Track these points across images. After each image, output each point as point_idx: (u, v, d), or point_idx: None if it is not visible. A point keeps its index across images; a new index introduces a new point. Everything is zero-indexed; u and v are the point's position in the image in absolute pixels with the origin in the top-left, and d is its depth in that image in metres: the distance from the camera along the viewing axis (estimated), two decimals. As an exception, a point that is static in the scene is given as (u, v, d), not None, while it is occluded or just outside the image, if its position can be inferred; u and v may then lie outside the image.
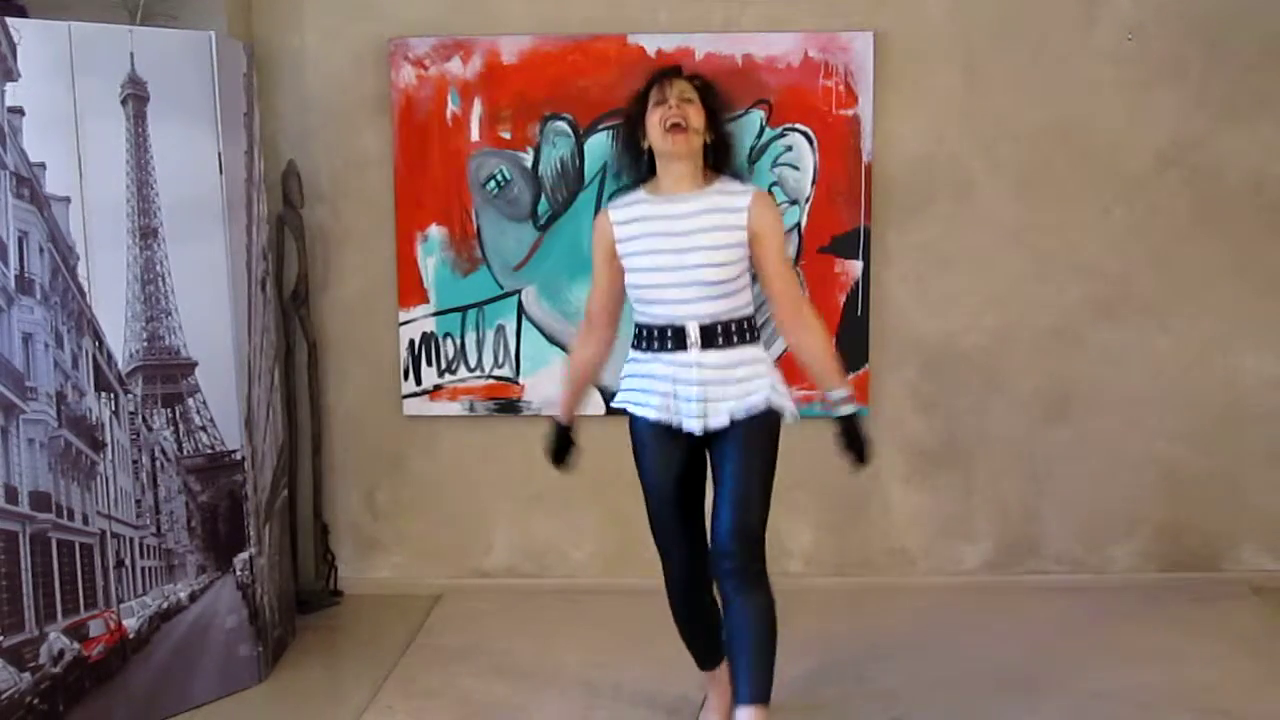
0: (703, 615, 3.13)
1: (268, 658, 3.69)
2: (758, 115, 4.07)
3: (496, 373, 4.24)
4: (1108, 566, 4.32)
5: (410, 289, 4.22)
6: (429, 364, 4.24)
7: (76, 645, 3.21)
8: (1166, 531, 4.30)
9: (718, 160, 2.99)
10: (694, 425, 2.93)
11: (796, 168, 4.10)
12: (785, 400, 3.01)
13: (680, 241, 2.91)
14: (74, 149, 3.16)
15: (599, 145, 4.09)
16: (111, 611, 3.30)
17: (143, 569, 3.38)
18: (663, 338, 2.96)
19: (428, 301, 4.21)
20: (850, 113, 4.06)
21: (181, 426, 3.46)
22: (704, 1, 4.08)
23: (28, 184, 3.08)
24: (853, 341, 4.17)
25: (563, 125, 4.09)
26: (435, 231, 4.18)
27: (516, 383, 4.24)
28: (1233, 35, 4.05)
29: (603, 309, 3.10)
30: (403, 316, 4.23)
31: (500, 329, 4.22)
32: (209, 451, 3.52)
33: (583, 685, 3.61)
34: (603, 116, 4.07)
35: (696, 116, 2.91)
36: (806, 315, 3.01)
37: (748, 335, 2.98)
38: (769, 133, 4.08)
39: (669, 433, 2.97)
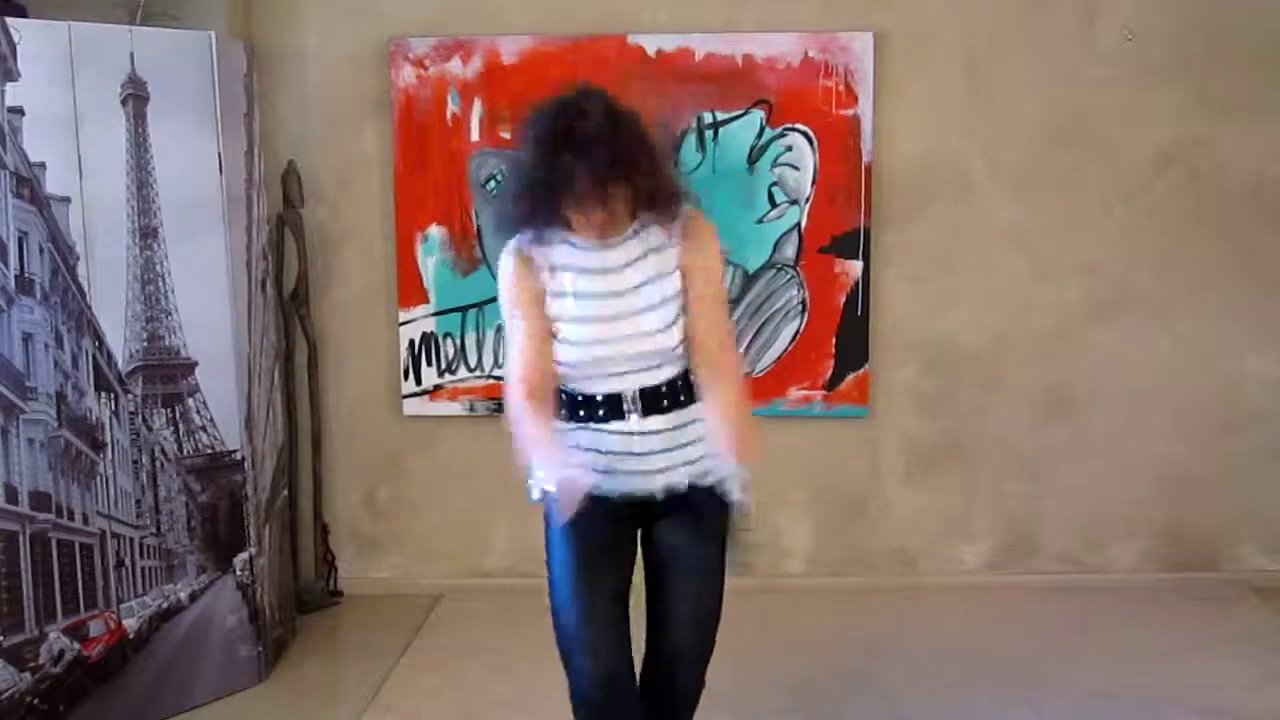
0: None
1: (268, 658, 3.69)
2: (758, 115, 4.07)
3: (496, 373, 4.24)
4: (1108, 566, 4.32)
5: (410, 289, 4.22)
6: (429, 364, 4.24)
7: (76, 645, 3.21)
8: (1166, 531, 4.30)
9: (650, 208, 2.44)
10: (650, 485, 2.47)
11: (796, 168, 4.10)
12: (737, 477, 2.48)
13: (619, 304, 2.44)
14: (74, 149, 3.16)
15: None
16: (111, 611, 3.30)
17: (143, 569, 3.38)
18: (590, 407, 2.48)
19: (428, 301, 4.21)
20: (850, 113, 4.06)
21: (181, 426, 3.46)
22: (704, 1, 4.07)
23: (28, 184, 3.08)
24: (853, 341, 4.17)
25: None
26: (435, 231, 4.18)
27: (516, 383, 4.23)
28: (1233, 35, 4.05)
29: (543, 373, 2.45)
30: (403, 316, 4.23)
31: (500, 329, 4.22)
32: (209, 451, 3.52)
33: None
34: (603, 116, 4.06)
35: (625, 202, 2.39)
36: (728, 375, 2.51)
37: (692, 391, 2.51)
38: (769, 133, 4.08)
39: (599, 510, 2.39)
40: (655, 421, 2.48)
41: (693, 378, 2.51)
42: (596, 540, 2.47)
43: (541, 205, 2.39)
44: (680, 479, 2.49)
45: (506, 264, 2.50)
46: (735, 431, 2.44)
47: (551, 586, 2.56)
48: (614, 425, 2.48)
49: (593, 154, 2.30)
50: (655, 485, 2.49)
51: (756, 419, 2.62)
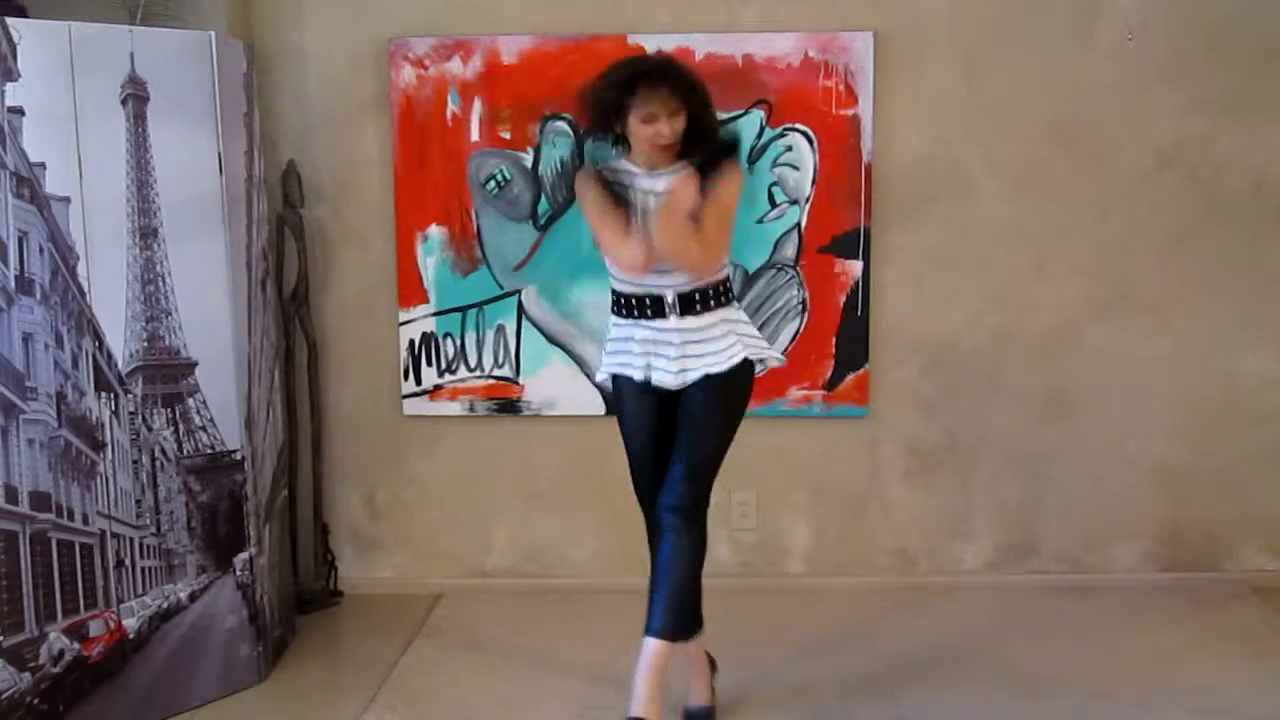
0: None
1: (268, 658, 3.69)
2: (758, 115, 4.07)
3: (497, 373, 4.24)
4: (1108, 566, 4.32)
5: (410, 289, 4.22)
6: (429, 364, 4.24)
7: (76, 645, 3.21)
8: (1166, 531, 4.30)
9: (698, 148, 3.09)
10: (669, 381, 3.11)
11: (796, 168, 4.10)
12: (763, 350, 3.21)
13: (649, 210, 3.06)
14: (74, 149, 3.16)
15: (599, 145, 4.08)
16: (111, 611, 3.30)
17: (143, 569, 3.38)
18: (641, 306, 3.13)
19: (428, 301, 4.21)
20: (850, 113, 4.06)
21: (181, 426, 3.46)
22: (704, 1, 4.08)
23: (28, 184, 3.08)
24: (853, 341, 4.17)
25: (563, 125, 4.09)
26: (435, 231, 4.18)
27: (517, 383, 4.24)
28: (1233, 35, 4.05)
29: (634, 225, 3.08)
30: (403, 316, 4.23)
31: (500, 329, 4.22)
32: (209, 451, 3.52)
33: (583, 685, 3.61)
34: (603, 116, 4.07)
35: (679, 126, 3.04)
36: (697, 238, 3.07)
37: (723, 298, 3.14)
38: (769, 133, 4.08)
39: (648, 391, 3.16)
40: (690, 322, 3.11)
41: (729, 287, 3.18)
42: (640, 416, 3.23)
43: (616, 107, 3.05)
44: (708, 367, 3.11)
45: (587, 177, 3.18)
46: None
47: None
48: (656, 322, 3.13)
49: (677, 71, 3.06)
50: (688, 371, 3.11)
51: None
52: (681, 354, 3.10)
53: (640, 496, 3.29)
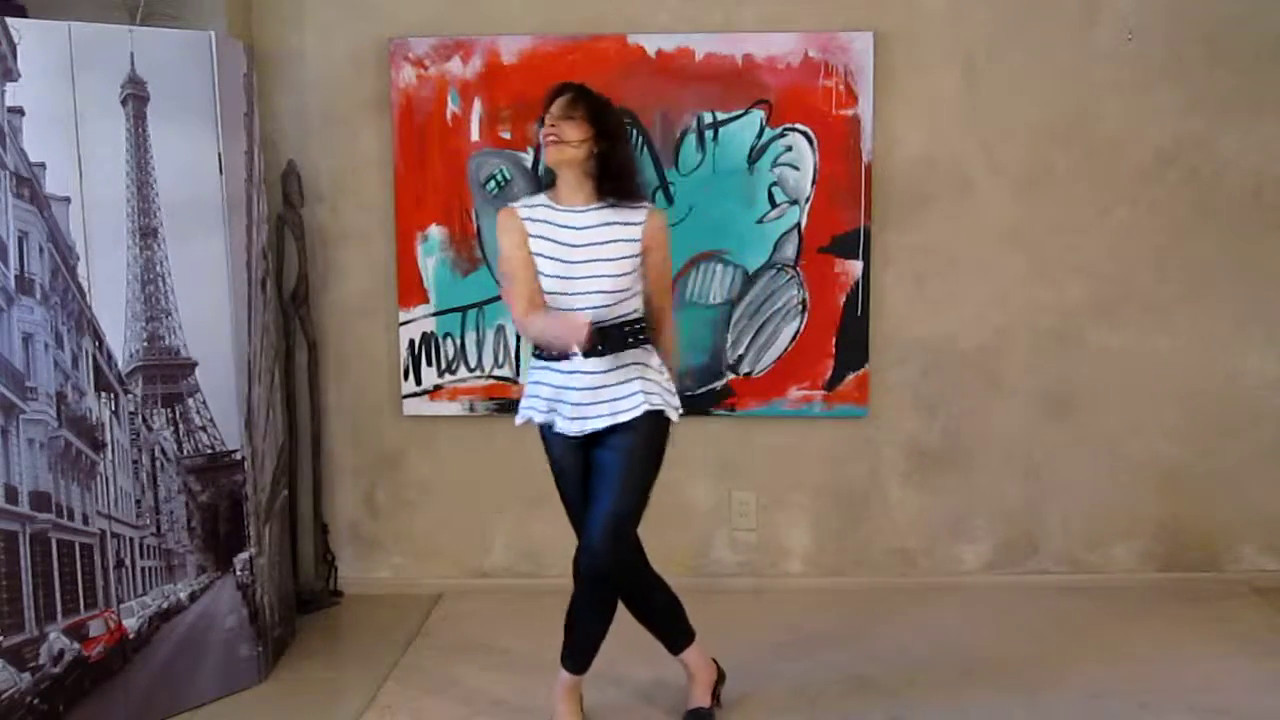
0: (641, 599, 3.28)
1: (268, 658, 3.69)
2: (758, 115, 4.08)
3: (496, 373, 4.24)
4: (1108, 566, 4.32)
5: (410, 289, 4.22)
6: (429, 364, 4.24)
7: (76, 645, 3.21)
8: (1166, 531, 4.30)
9: (612, 182, 3.11)
10: (571, 428, 3.10)
11: (796, 168, 4.10)
12: (668, 399, 3.16)
13: (575, 253, 3.08)
14: (74, 149, 3.16)
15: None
16: (111, 611, 3.30)
17: (143, 569, 3.38)
18: (549, 349, 3.13)
19: (428, 301, 4.21)
20: (850, 113, 4.07)
21: (181, 426, 3.46)
22: (704, 1, 4.08)
23: (28, 184, 3.08)
24: (853, 341, 4.17)
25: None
26: (435, 231, 4.18)
27: (516, 383, 4.24)
28: (1233, 35, 4.05)
29: (537, 291, 3.11)
30: (403, 316, 4.23)
31: (500, 329, 4.22)
32: (209, 451, 3.52)
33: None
34: (603, 116, 4.07)
35: (573, 131, 3.07)
36: (667, 327, 3.28)
37: (630, 339, 3.12)
38: (769, 133, 4.08)
39: (564, 435, 3.14)
40: (594, 363, 3.07)
41: (642, 327, 3.16)
42: (564, 460, 3.21)
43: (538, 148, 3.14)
44: (613, 412, 3.09)
45: (505, 218, 3.17)
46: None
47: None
48: (562, 364, 3.10)
49: (586, 90, 3.14)
50: (589, 419, 3.10)
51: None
52: (583, 400, 3.09)
53: (577, 531, 3.24)
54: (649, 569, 3.26)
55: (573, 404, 3.09)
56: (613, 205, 3.11)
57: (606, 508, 3.08)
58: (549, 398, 3.14)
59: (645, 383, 3.11)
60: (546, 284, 3.10)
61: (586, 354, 3.03)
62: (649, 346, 3.17)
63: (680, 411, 3.19)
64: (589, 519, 3.12)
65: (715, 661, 3.44)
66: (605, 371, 3.09)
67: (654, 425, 3.12)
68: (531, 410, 3.18)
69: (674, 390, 3.20)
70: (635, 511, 3.12)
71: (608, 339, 3.07)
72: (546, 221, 3.12)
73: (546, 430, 3.18)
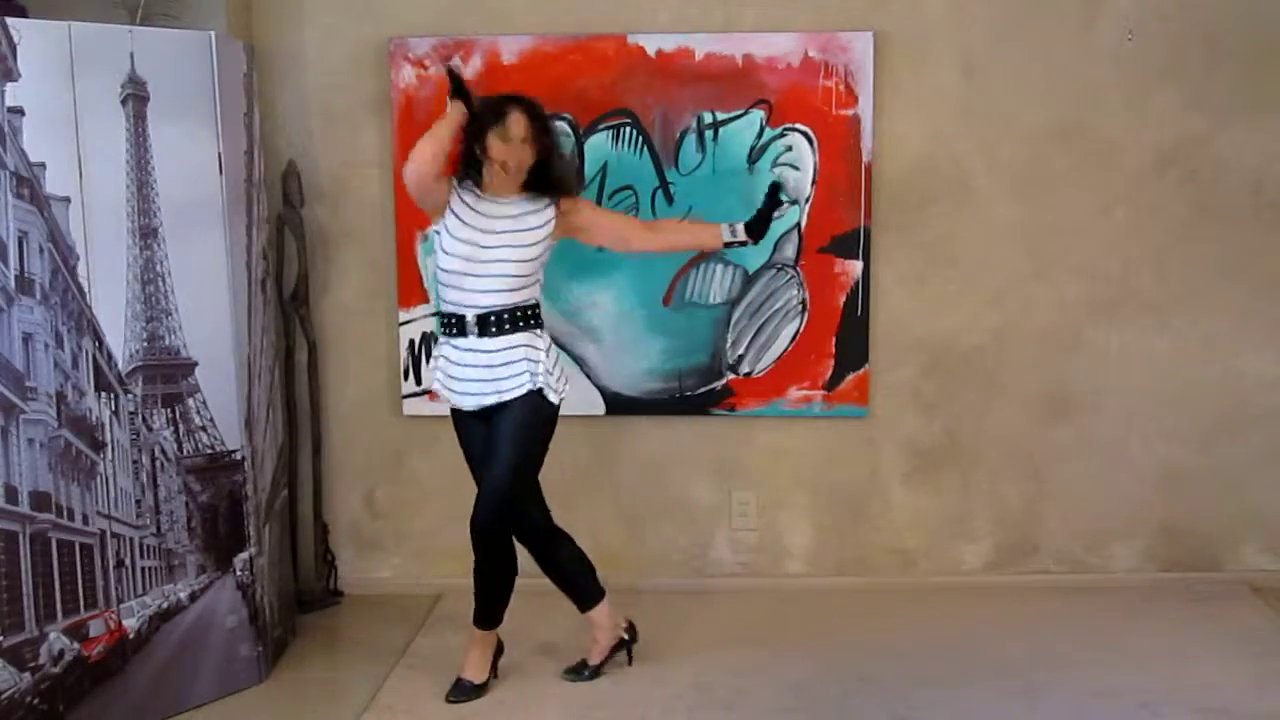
0: (547, 557, 3.57)
1: (268, 658, 3.69)
2: (758, 115, 4.07)
3: (496, 373, 4.24)
4: (1108, 566, 4.32)
5: (410, 289, 4.21)
6: (429, 364, 4.24)
7: (76, 645, 3.21)
8: (1166, 531, 4.30)
9: (548, 188, 3.41)
10: (465, 403, 3.41)
11: (796, 168, 4.10)
12: (550, 381, 3.39)
13: (489, 239, 3.33)
14: (74, 149, 3.16)
15: (599, 145, 4.09)
16: (111, 611, 3.30)
17: (143, 569, 3.38)
18: (448, 325, 3.40)
19: (428, 301, 4.21)
20: (850, 113, 4.06)
21: (181, 426, 3.46)
22: (704, 1, 4.07)
23: (28, 184, 3.08)
24: (853, 341, 4.17)
25: (563, 125, 4.08)
26: (435, 231, 4.17)
27: (516, 383, 4.23)
28: (1233, 35, 4.05)
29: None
30: (403, 316, 4.23)
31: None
32: (209, 451, 3.52)
33: (582, 684, 3.61)
34: (603, 116, 4.07)
35: (526, 159, 3.34)
36: (669, 228, 3.76)
37: (523, 323, 3.38)
38: (769, 133, 4.08)
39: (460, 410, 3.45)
40: (487, 343, 3.34)
41: (534, 312, 3.42)
42: (465, 432, 3.53)
43: (471, 147, 3.35)
44: (499, 390, 3.37)
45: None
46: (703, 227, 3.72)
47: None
48: (459, 341, 3.38)
49: (532, 109, 3.37)
50: (482, 395, 3.39)
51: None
52: (476, 378, 3.37)
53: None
54: (553, 530, 3.56)
55: (466, 379, 3.37)
56: (531, 199, 3.39)
57: (489, 476, 3.38)
58: (444, 373, 3.42)
59: (531, 364, 3.36)
60: (452, 263, 3.33)
61: (480, 334, 3.34)
62: (539, 331, 3.41)
63: (561, 395, 3.43)
64: (480, 486, 3.43)
65: (630, 622, 3.69)
66: (496, 351, 3.35)
67: (536, 403, 3.37)
68: (435, 384, 3.48)
69: (560, 375, 3.45)
70: (513, 481, 3.39)
71: (491, 326, 3.34)
72: (470, 207, 3.37)
73: (451, 406, 3.47)
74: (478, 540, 3.42)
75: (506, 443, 3.37)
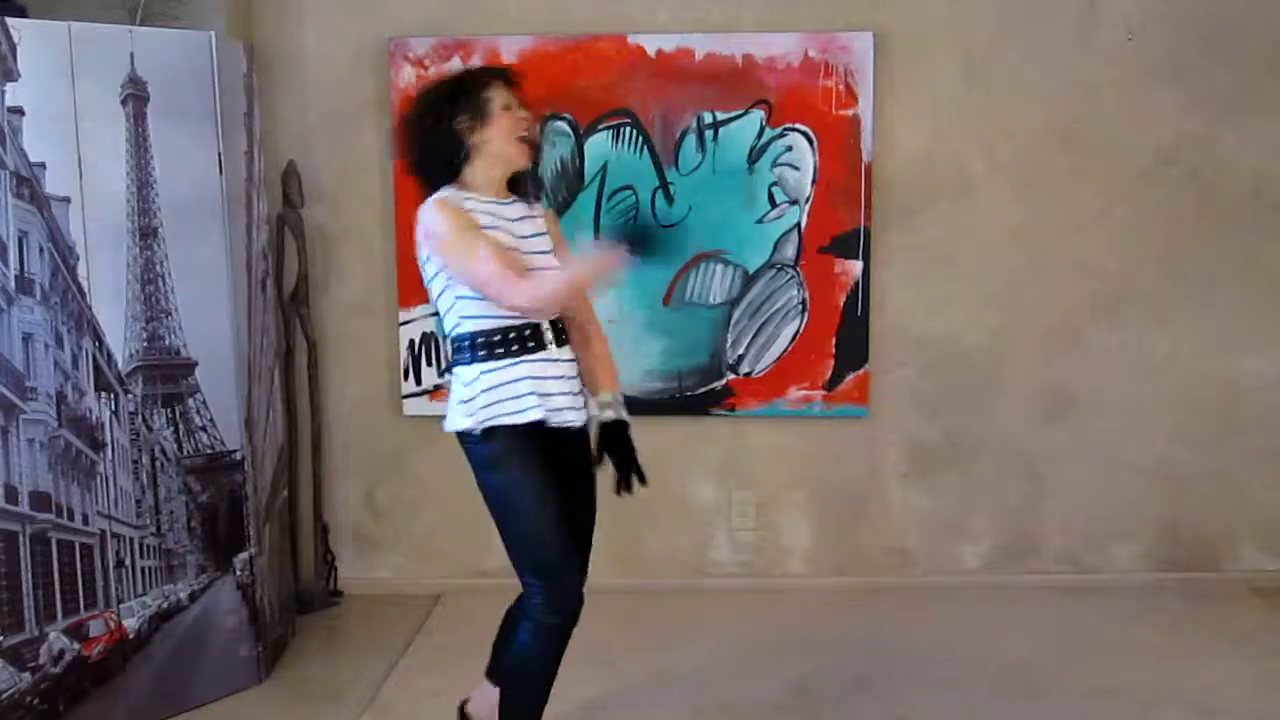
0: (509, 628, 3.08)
1: (268, 658, 3.69)
2: (758, 115, 4.07)
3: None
4: (1108, 566, 4.32)
5: (410, 289, 4.21)
6: (429, 364, 4.24)
7: (76, 645, 3.21)
8: (1166, 531, 4.30)
9: (519, 176, 2.93)
10: (575, 418, 2.83)
11: (796, 168, 4.10)
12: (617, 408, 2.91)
13: (523, 244, 2.83)
14: (74, 149, 3.16)
15: (599, 145, 4.09)
16: (111, 611, 3.30)
17: (143, 569, 3.38)
18: (512, 340, 2.79)
19: (428, 301, 4.20)
20: (850, 113, 4.06)
21: (181, 426, 3.46)
22: (704, 1, 4.08)
23: (28, 184, 3.08)
24: (853, 341, 4.17)
25: (563, 125, 4.09)
26: (435, 231, 4.17)
27: (516, 383, 4.23)
28: (1233, 35, 4.05)
29: (515, 262, 2.78)
30: (403, 316, 4.23)
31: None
32: (209, 451, 3.52)
33: (583, 685, 3.61)
34: (602, 116, 4.07)
35: (536, 132, 2.95)
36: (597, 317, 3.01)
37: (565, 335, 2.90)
38: (769, 133, 4.08)
39: (540, 440, 2.79)
40: (565, 352, 2.86)
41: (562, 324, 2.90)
42: (548, 471, 2.82)
43: (447, 139, 2.82)
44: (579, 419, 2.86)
45: (445, 210, 2.79)
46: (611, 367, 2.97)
47: (523, 515, 2.82)
48: (539, 355, 2.80)
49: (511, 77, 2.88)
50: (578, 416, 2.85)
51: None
52: (566, 390, 2.82)
53: (554, 566, 2.83)
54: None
55: (571, 392, 2.83)
56: (520, 201, 2.92)
57: (587, 535, 2.90)
58: (540, 391, 2.78)
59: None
60: None
61: (558, 344, 2.83)
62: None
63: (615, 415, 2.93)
64: (572, 549, 2.82)
65: None
66: (571, 361, 2.87)
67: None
68: (516, 415, 2.76)
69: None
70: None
71: (562, 334, 2.86)
72: (490, 214, 2.82)
73: (515, 442, 2.78)
74: (573, 623, 2.86)
75: (593, 487, 2.91)
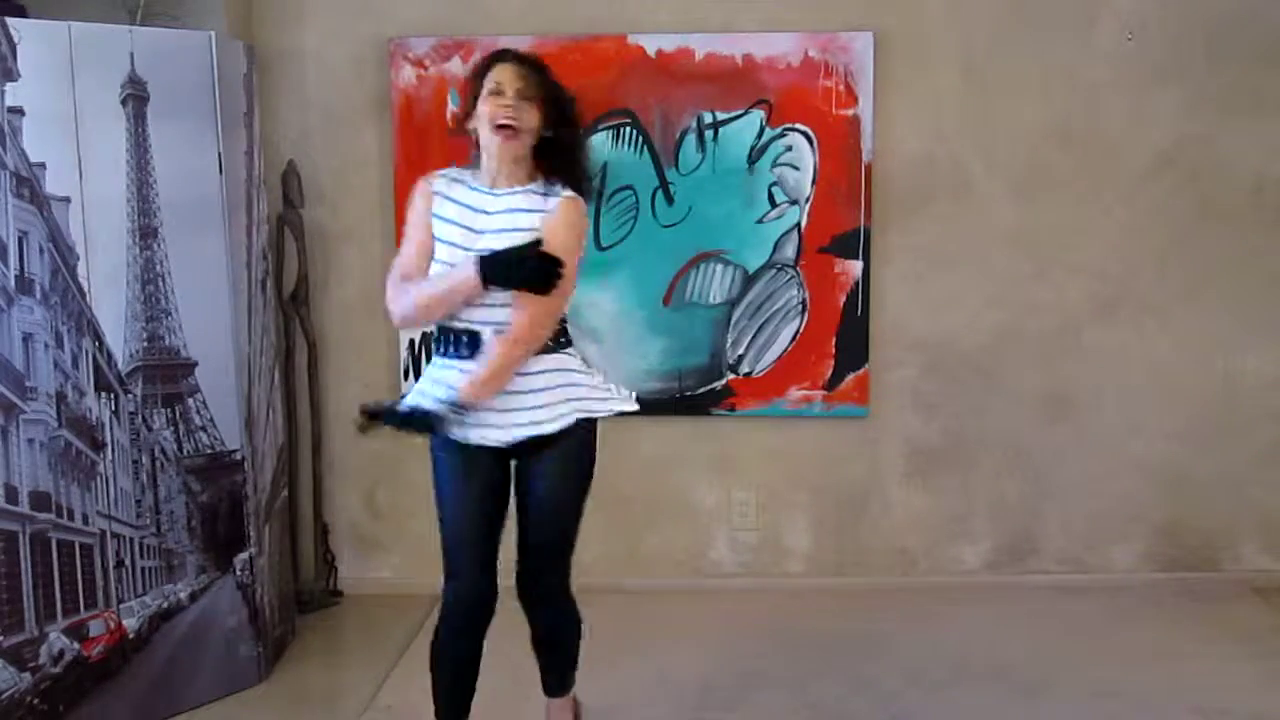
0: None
1: (268, 658, 3.69)
2: (758, 115, 4.07)
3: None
4: (1108, 566, 4.32)
5: (410, 289, 4.21)
6: (429, 364, 4.23)
7: (76, 645, 3.21)
8: (1166, 531, 4.30)
9: (559, 163, 2.75)
10: (492, 436, 2.74)
11: (796, 168, 4.10)
12: (600, 402, 2.85)
13: (475, 240, 2.71)
14: (74, 149, 3.16)
15: (599, 145, 4.09)
16: (111, 611, 3.30)
17: (143, 569, 3.38)
18: (456, 343, 2.74)
19: (428, 301, 4.21)
20: (850, 113, 4.06)
21: (181, 426, 3.46)
22: (704, 1, 4.08)
23: (28, 184, 3.08)
24: (853, 341, 4.17)
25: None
26: (435, 231, 4.17)
27: (516, 383, 4.23)
28: (1233, 35, 4.05)
29: (418, 269, 2.75)
30: (403, 316, 4.23)
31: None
32: (209, 451, 3.52)
33: (583, 685, 3.61)
34: (603, 116, 4.07)
35: (531, 117, 2.69)
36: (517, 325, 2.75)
37: (555, 340, 2.79)
38: (769, 133, 4.08)
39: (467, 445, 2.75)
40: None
41: (563, 329, 2.85)
42: (481, 467, 2.82)
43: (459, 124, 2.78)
44: (523, 433, 2.74)
45: (419, 187, 2.80)
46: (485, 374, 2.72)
47: (440, 503, 2.89)
48: (470, 362, 2.72)
49: (535, 60, 2.77)
50: (508, 428, 2.74)
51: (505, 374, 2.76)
52: (504, 406, 2.71)
53: (453, 554, 2.86)
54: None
55: (497, 409, 2.73)
56: (535, 190, 2.74)
57: (536, 531, 2.85)
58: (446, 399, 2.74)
59: (569, 391, 2.79)
60: (438, 270, 2.76)
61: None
62: (571, 350, 2.85)
63: (630, 404, 2.90)
64: (521, 539, 2.86)
65: None
66: (524, 376, 2.74)
67: (581, 438, 2.82)
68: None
69: (609, 389, 2.89)
70: (569, 536, 2.92)
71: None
72: (457, 203, 2.75)
73: (441, 442, 2.80)
74: (464, 619, 2.96)
75: (551, 499, 2.89)
